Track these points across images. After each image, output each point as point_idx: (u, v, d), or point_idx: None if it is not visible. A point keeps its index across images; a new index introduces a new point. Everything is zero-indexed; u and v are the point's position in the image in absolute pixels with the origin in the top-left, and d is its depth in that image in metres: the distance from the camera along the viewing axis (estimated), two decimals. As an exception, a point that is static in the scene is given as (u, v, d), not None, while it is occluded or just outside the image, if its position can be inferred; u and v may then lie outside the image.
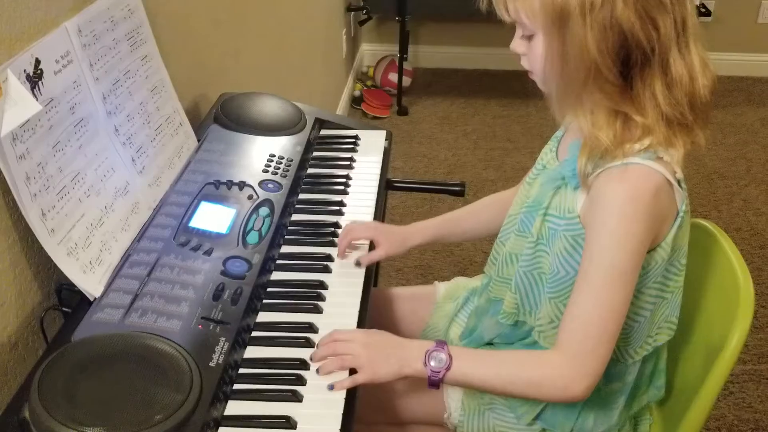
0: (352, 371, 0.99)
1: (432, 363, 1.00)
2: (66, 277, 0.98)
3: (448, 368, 1.00)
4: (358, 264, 1.19)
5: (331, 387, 0.97)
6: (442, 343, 1.02)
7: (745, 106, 3.68)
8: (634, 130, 0.96)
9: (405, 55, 3.61)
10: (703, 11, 3.70)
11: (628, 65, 0.94)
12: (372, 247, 1.26)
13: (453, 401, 1.18)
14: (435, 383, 1.01)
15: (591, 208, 0.99)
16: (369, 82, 3.85)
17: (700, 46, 0.96)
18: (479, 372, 1.02)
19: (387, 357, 1.02)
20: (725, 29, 3.81)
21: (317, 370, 0.99)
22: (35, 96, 0.93)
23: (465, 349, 1.15)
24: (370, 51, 4.13)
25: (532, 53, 1.00)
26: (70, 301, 1.02)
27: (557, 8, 0.92)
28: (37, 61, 0.95)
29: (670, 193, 0.98)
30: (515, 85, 3.85)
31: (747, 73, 3.94)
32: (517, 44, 1.02)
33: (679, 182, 0.99)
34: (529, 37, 0.99)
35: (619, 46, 0.92)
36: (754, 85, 3.90)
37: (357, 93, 3.70)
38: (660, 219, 0.97)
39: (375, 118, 3.58)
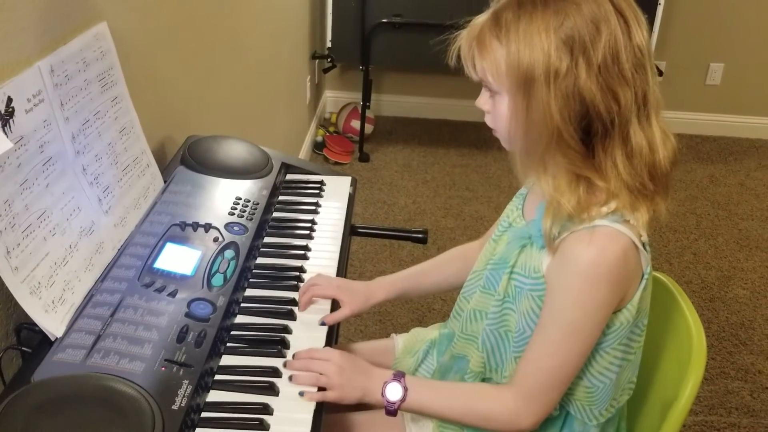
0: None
1: (388, 395, 1.07)
2: (26, 316, 0.96)
3: (403, 400, 1.07)
4: (323, 324, 1.18)
5: (302, 394, 1.02)
6: (399, 375, 1.08)
7: (694, 164, 3.82)
8: (598, 194, 0.99)
9: (367, 103, 3.67)
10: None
11: (590, 134, 0.97)
12: (334, 303, 1.25)
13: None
14: (391, 413, 1.07)
15: (557, 268, 1.01)
16: (331, 128, 3.89)
17: (661, 118, 0.99)
18: (433, 403, 1.09)
19: (355, 383, 1.08)
20: (675, 89, 3.98)
21: (290, 378, 1.04)
22: (5, 133, 0.93)
23: (421, 380, 1.18)
24: (333, 98, 4.18)
25: (496, 111, 1.02)
26: (29, 340, 1.00)
27: (522, 73, 0.94)
28: (9, 99, 0.95)
29: (636, 256, 1.00)
30: (474, 136, 3.94)
31: (695, 131, 4.10)
32: (483, 101, 1.04)
33: (644, 245, 1.01)
34: (494, 96, 1.02)
35: (581, 115, 0.95)
36: (702, 143, 4.05)
37: (319, 138, 3.74)
38: (626, 282, 1.00)
39: (336, 163, 3.61)
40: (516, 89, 0.96)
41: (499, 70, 0.97)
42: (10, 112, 0.95)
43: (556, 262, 1.01)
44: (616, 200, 0.98)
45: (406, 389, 1.06)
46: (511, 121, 0.99)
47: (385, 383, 1.07)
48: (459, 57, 1.03)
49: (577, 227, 0.98)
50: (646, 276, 1.02)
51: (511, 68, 0.95)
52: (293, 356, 1.09)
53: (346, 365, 1.08)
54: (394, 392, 1.06)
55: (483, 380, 1.15)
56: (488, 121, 1.05)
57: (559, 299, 0.99)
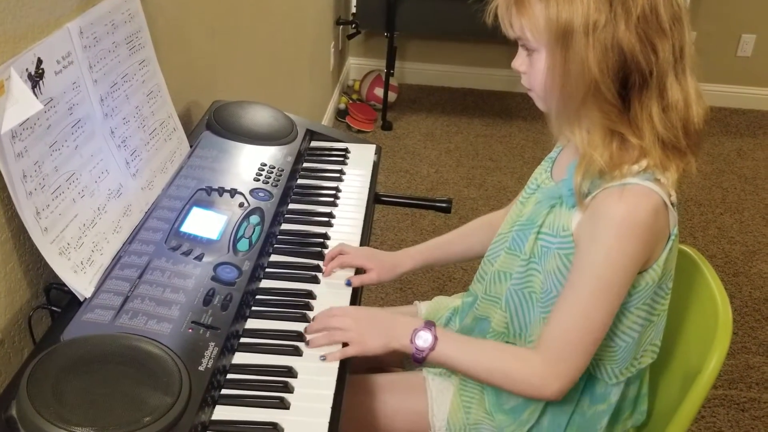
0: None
1: (418, 342, 1.06)
2: (55, 277, 0.98)
3: (432, 348, 1.06)
4: (348, 284, 1.20)
5: (323, 358, 1.02)
6: (430, 324, 1.08)
7: (722, 137, 3.76)
8: (631, 151, 0.99)
9: (392, 71, 3.64)
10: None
11: (627, 86, 0.97)
12: (359, 272, 1.25)
13: (438, 420, 1.19)
14: (418, 360, 1.07)
15: (587, 225, 1.01)
16: (354, 96, 3.87)
17: (694, 77, 1.00)
18: (460, 358, 1.08)
19: (376, 330, 1.08)
20: (705, 60, 3.85)
21: (307, 342, 1.04)
22: (36, 95, 0.94)
23: (451, 333, 1.18)
24: (356, 65, 4.16)
25: (533, 70, 1.02)
26: (59, 300, 1.02)
27: (561, 26, 0.95)
28: (39, 61, 0.95)
29: (665, 215, 1.00)
30: (498, 106, 3.90)
31: (725, 104, 4.03)
32: (519, 62, 1.05)
33: (672, 205, 1.01)
34: (531, 54, 1.02)
35: (619, 66, 0.95)
36: (731, 116, 3.98)
37: (342, 106, 3.72)
38: (654, 240, 1.00)
39: (359, 131, 3.60)
40: (554, 43, 0.96)
41: (538, 25, 0.97)
42: (40, 74, 0.96)
43: (587, 219, 1.01)
44: (648, 158, 0.98)
45: (436, 338, 1.06)
46: (548, 76, 0.99)
47: (415, 330, 1.07)
48: (496, 16, 1.03)
49: (608, 184, 0.99)
50: (672, 236, 1.02)
51: (550, 22, 0.95)
52: (312, 318, 1.09)
53: (362, 316, 1.09)
54: (423, 340, 1.06)
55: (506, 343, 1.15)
56: (524, 81, 1.05)
57: (589, 255, 0.99)
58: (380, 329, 1.08)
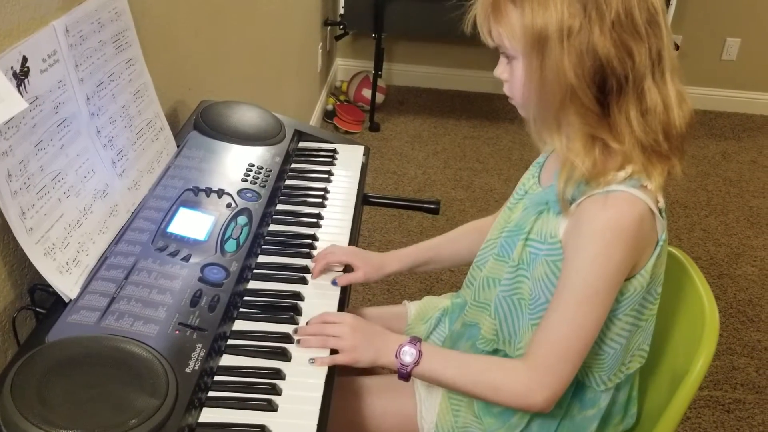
0: (333, 351, 1.05)
1: (403, 357, 1.06)
2: (40, 278, 0.96)
3: (416, 363, 1.06)
4: (334, 283, 1.19)
5: (312, 361, 1.02)
6: (416, 340, 1.08)
7: (706, 139, 3.79)
8: (615, 157, 0.99)
9: (379, 72, 3.64)
10: (671, 46, 3.82)
11: (604, 91, 0.97)
12: (348, 269, 1.26)
13: (426, 423, 1.19)
14: (403, 375, 1.07)
15: (573, 232, 1.01)
16: (342, 97, 3.86)
17: (677, 80, 0.99)
18: (445, 372, 1.07)
19: (368, 344, 1.07)
20: (690, 64, 3.93)
21: (297, 341, 1.04)
22: (21, 93, 0.92)
23: (437, 348, 1.18)
24: (344, 66, 4.15)
25: (513, 78, 1.02)
26: (43, 301, 1.00)
27: (536, 32, 0.95)
28: (24, 59, 0.94)
29: (652, 222, 1.00)
30: (486, 107, 3.91)
31: (709, 107, 4.06)
32: (501, 70, 1.04)
33: (660, 211, 1.01)
34: (511, 62, 1.02)
35: (595, 71, 0.95)
36: (715, 119, 4.01)
37: (330, 107, 3.72)
38: (640, 247, 1.00)
39: (347, 132, 3.59)
40: (530, 50, 0.96)
41: (515, 33, 0.97)
42: (25, 72, 0.94)
43: (572, 226, 1.01)
44: (632, 164, 0.98)
45: (420, 353, 1.06)
46: (526, 83, 0.99)
47: (400, 346, 1.06)
48: (475, 24, 1.03)
49: (593, 191, 0.98)
50: (660, 242, 1.02)
51: (526, 29, 0.95)
52: (307, 323, 1.09)
53: (359, 327, 1.08)
54: (408, 355, 1.06)
55: (495, 351, 1.15)
56: (506, 89, 1.05)
57: (575, 263, 0.99)
58: (371, 343, 1.08)
